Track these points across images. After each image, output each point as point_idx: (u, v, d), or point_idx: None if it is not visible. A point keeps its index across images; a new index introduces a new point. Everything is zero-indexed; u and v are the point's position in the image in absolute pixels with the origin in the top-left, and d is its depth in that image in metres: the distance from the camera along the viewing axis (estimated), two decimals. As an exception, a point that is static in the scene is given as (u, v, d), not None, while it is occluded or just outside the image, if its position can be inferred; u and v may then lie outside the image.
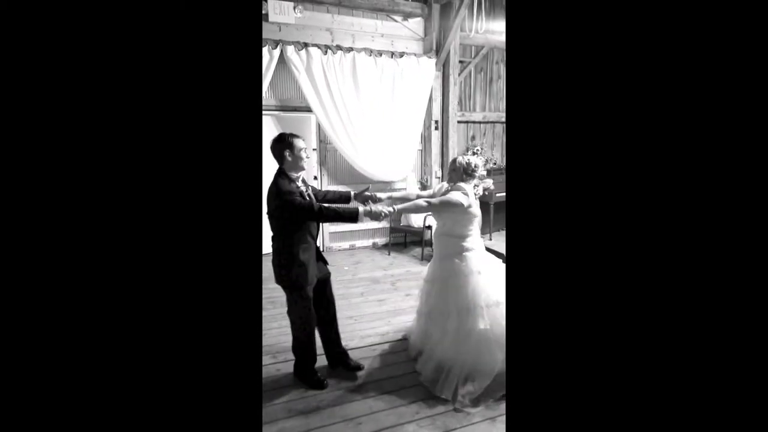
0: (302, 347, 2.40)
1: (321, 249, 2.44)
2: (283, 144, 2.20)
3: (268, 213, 2.23)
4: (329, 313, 2.52)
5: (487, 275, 2.36)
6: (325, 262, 2.50)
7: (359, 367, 2.52)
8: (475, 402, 2.18)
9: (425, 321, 2.57)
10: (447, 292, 2.40)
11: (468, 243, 2.40)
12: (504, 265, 2.42)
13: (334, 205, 2.20)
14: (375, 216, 2.18)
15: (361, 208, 2.16)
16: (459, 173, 2.44)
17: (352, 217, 2.14)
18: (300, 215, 2.13)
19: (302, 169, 2.25)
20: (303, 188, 2.24)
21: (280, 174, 2.22)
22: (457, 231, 2.41)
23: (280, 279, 2.31)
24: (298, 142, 2.21)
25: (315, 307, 2.40)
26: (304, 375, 2.41)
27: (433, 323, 2.49)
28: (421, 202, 2.32)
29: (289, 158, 2.19)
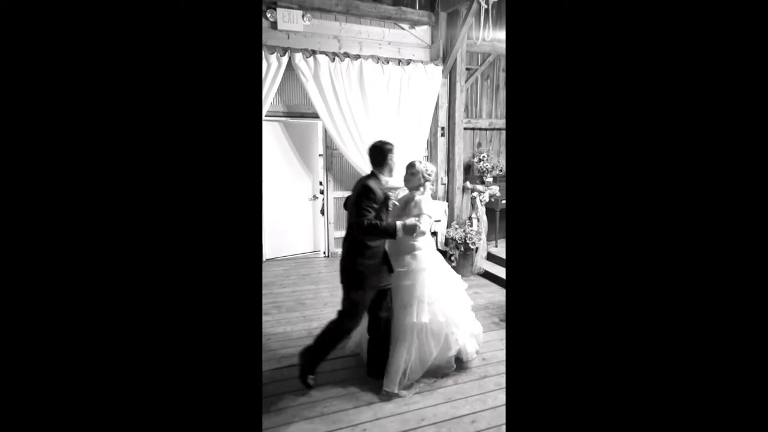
0: (326, 341, 2.39)
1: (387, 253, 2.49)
2: (389, 148, 2.40)
3: (346, 206, 2.47)
4: (385, 322, 2.46)
5: (431, 273, 2.53)
6: (390, 270, 2.45)
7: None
8: (408, 387, 2.40)
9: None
10: (399, 288, 2.51)
11: (419, 242, 2.57)
12: (444, 264, 2.70)
13: (379, 222, 2.26)
14: (410, 230, 2.26)
15: (398, 223, 2.25)
16: (418, 178, 2.58)
17: (391, 232, 2.24)
18: (358, 225, 2.25)
19: (392, 175, 2.45)
20: (391, 193, 2.39)
21: (372, 176, 2.38)
22: None
23: (342, 276, 2.38)
24: (395, 150, 2.42)
25: (371, 315, 2.45)
26: (307, 364, 2.41)
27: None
28: (424, 228, 2.46)
29: (389, 162, 2.39)
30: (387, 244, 2.62)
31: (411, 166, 2.62)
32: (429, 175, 2.60)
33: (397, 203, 2.46)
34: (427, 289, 2.48)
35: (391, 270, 2.45)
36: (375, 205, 2.25)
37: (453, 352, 2.54)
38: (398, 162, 2.43)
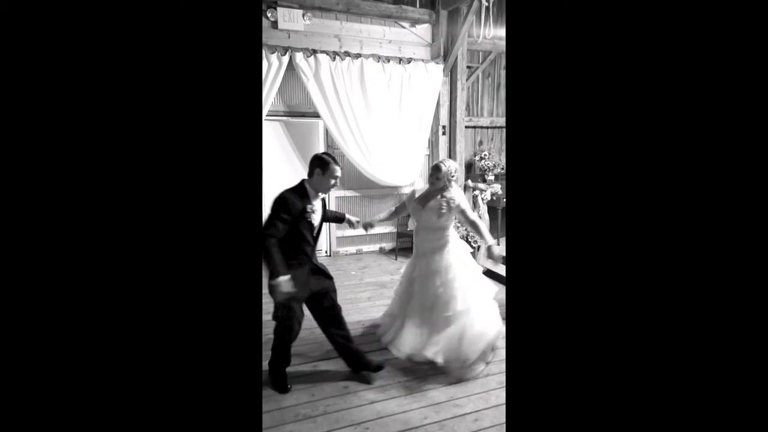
0: (275, 350, 2.41)
1: (318, 261, 2.45)
2: (321, 162, 2.26)
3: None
4: (332, 321, 2.48)
5: (461, 265, 2.67)
6: (327, 277, 2.45)
7: (380, 367, 2.50)
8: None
9: (412, 319, 2.67)
10: (449, 280, 2.60)
11: (450, 234, 2.71)
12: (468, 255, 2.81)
13: (274, 252, 2.14)
14: (276, 289, 2.12)
15: (281, 279, 2.10)
16: (443, 181, 2.62)
17: (272, 269, 2.12)
18: (265, 231, 2.14)
19: (323, 192, 2.34)
20: (311, 207, 2.27)
21: (300, 185, 2.29)
22: (444, 224, 2.66)
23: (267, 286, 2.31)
24: (334, 169, 2.26)
25: (316, 318, 2.47)
26: (272, 373, 2.42)
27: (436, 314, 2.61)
28: (479, 225, 2.63)
29: (317, 176, 2.26)
30: (420, 242, 2.73)
31: (437, 170, 2.63)
32: (453, 175, 2.66)
33: (314, 221, 2.33)
34: (461, 279, 2.60)
35: (327, 276, 2.44)
36: (287, 217, 2.15)
37: (491, 336, 2.63)
38: (335, 182, 2.30)
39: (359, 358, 2.51)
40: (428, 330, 2.61)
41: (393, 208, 2.94)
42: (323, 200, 2.46)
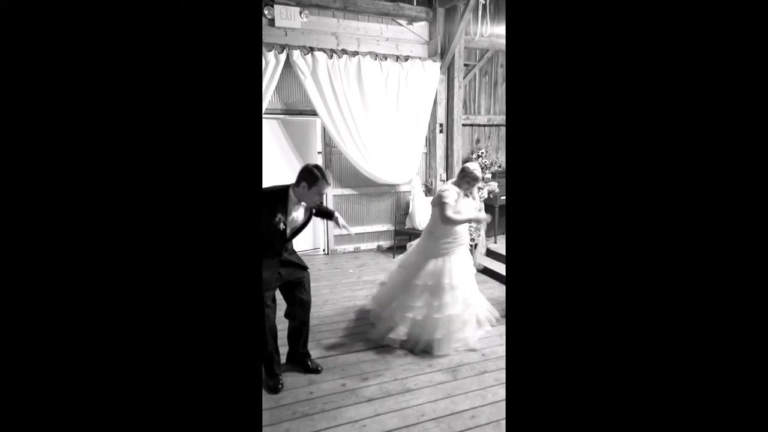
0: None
1: (291, 255, 2.49)
2: (309, 176, 2.24)
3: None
4: (299, 313, 2.54)
5: (459, 268, 2.99)
6: (302, 268, 2.50)
7: (317, 370, 2.55)
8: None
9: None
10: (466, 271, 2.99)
11: (453, 241, 2.97)
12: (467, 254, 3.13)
13: None
14: None
15: None
16: (474, 183, 2.89)
17: None
18: None
19: (306, 203, 2.35)
20: (279, 217, 2.25)
21: (284, 190, 2.30)
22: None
23: None
24: (321, 186, 2.24)
25: (287, 306, 2.53)
26: (265, 369, 2.43)
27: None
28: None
29: (302, 188, 2.26)
30: (448, 239, 2.87)
31: (475, 180, 2.83)
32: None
33: (281, 228, 2.32)
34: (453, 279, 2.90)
35: (302, 267, 2.49)
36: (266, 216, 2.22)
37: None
38: (319, 198, 2.35)
39: (302, 357, 2.58)
40: (472, 313, 2.97)
41: (459, 215, 2.83)
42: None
